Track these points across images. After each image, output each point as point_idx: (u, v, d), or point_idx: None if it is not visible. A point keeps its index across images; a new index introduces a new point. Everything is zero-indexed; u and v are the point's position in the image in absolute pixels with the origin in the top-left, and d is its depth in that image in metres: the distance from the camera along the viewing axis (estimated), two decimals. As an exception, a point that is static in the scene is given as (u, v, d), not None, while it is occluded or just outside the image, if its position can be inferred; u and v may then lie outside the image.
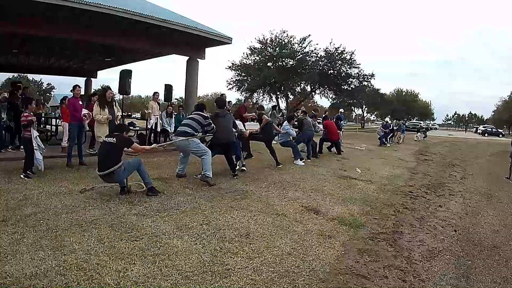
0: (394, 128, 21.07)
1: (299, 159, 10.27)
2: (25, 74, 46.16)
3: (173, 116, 12.74)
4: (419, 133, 27.70)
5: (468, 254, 4.70)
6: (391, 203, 6.76)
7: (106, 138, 5.98)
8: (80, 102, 8.47)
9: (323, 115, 16.34)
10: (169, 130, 12.22)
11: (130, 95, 13.60)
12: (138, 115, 25.17)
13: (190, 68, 14.36)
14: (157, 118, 12.01)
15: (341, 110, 18.81)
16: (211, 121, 7.39)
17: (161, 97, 13.18)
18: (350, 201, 6.61)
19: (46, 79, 71.30)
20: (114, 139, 5.80)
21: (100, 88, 18.46)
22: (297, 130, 11.39)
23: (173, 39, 13.08)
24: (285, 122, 11.18)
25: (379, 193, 7.48)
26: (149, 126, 12.04)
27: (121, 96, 12.87)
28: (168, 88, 14.17)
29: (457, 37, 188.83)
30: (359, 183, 8.31)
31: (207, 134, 7.69)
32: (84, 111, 8.37)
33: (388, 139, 19.69)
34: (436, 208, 6.77)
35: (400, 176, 9.74)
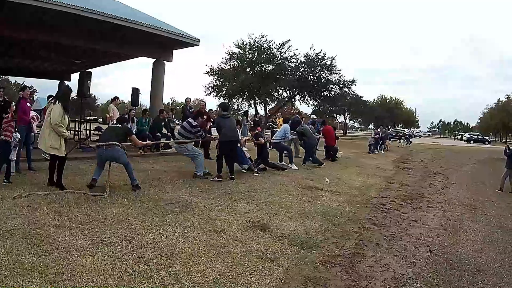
0: (383, 136, 21.15)
1: (293, 164, 10.57)
2: (5, 76, 46.34)
3: (135, 120, 12.41)
4: (402, 140, 27.97)
5: (444, 281, 3.95)
6: (357, 218, 5.95)
7: (112, 124, 7.29)
8: (28, 104, 7.96)
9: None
10: None
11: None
12: (100, 119, 24.53)
13: (156, 71, 14.17)
14: None
15: (313, 116, 18.29)
16: (199, 129, 8.41)
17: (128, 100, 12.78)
18: (308, 216, 5.81)
19: (28, 82, 69.65)
20: (120, 125, 7.05)
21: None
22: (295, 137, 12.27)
23: (139, 40, 12.85)
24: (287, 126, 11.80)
25: (345, 206, 6.67)
26: None
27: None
28: (135, 92, 13.91)
29: (446, 44, 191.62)
30: (324, 194, 7.51)
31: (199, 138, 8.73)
32: (33, 113, 7.97)
33: (378, 148, 20.05)
34: (410, 224, 5.99)
35: (374, 186, 8.98)
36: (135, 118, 12.46)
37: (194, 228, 4.79)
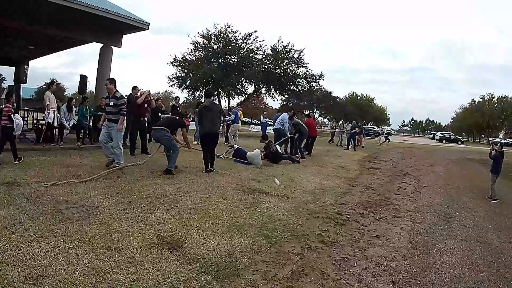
0: (353, 132, 21.58)
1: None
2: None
3: (74, 110, 11.99)
4: (381, 136, 29.31)
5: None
6: (303, 233, 4.77)
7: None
8: None
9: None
10: (67, 125, 11.49)
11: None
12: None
13: (103, 57, 13.60)
14: (55, 111, 11.05)
15: (233, 105, 18.30)
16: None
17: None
18: (239, 229, 4.62)
19: (-5, 69, 66.87)
20: (178, 117, 8.80)
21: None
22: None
23: (87, 23, 12.32)
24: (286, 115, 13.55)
25: (291, 216, 5.48)
26: (49, 120, 10.88)
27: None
28: (83, 79, 13.88)
29: (420, 47, 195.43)
30: (269, 199, 6.32)
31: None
32: None
33: (348, 142, 20.93)
34: (370, 241, 4.84)
35: (332, 190, 7.84)
36: (74, 108, 11.91)
37: (84, 242, 3.85)
